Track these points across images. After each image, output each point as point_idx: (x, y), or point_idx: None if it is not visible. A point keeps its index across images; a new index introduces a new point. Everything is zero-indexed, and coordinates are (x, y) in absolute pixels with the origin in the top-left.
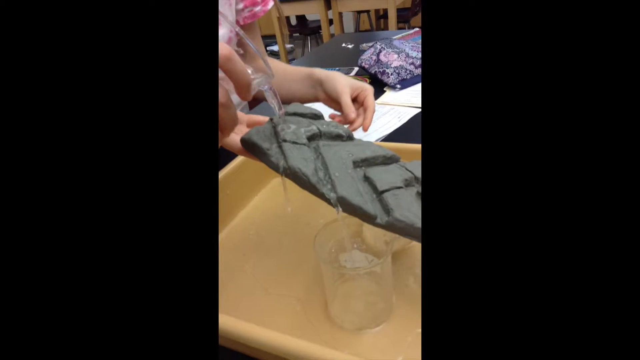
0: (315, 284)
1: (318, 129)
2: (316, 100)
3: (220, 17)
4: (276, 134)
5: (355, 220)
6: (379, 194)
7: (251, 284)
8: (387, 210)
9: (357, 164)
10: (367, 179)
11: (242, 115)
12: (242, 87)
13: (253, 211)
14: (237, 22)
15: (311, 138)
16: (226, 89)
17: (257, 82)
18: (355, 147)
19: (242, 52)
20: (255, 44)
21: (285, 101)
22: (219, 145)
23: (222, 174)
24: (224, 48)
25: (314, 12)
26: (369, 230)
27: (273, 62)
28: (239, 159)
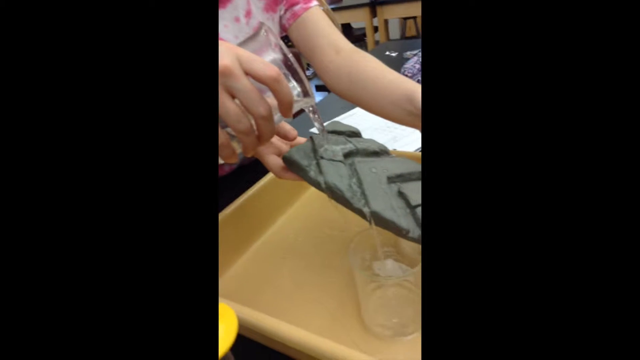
0: (350, 290)
1: (355, 146)
2: (414, 128)
3: (276, 42)
4: (315, 151)
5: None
6: (412, 208)
7: (289, 287)
8: (419, 224)
9: (392, 179)
10: (401, 194)
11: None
12: (285, 105)
13: (292, 216)
14: (284, 27)
15: (347, 155)
16: (270, 104)
17: (300, 105)
18: (391, 163)
19: (288, 73)
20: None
21: (378, 116)
22: (256, 155)
23: (264, 180)
24: (273, 69)
25: (359, 20)
26: (405, 240)
27: (369, 65)
28: None
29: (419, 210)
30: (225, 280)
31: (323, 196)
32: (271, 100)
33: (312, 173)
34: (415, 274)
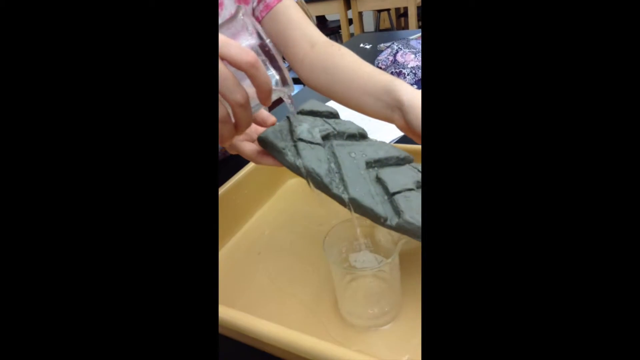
0: (327, 283)
1: (333, 128)
2: (391, 122)
3: (253, 27)
4: (292, 132)
5: (366, 222)
6: (390, 195)
7: (265, 283)
8: (397, 212)
9: (370, 164)
10: (379, 180)
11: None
12: (263, 92)
13: (268, 212)
14: (257, 19)
15: (326, 137)
16: (247, 91)
17: (278, 94)
18: (369, 147)
19: (266, 59)
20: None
21: (354, 110)
22: (229, 148)
23: (238, 175)
24: (250, 55)
25: (334, 12)
26: (380, 232)
27: (345, 58)
28: None
29: (396, 197)
30: None
31: (299, 190)
32: (248, 87)
33: (289, 156)
34: (390, 265)
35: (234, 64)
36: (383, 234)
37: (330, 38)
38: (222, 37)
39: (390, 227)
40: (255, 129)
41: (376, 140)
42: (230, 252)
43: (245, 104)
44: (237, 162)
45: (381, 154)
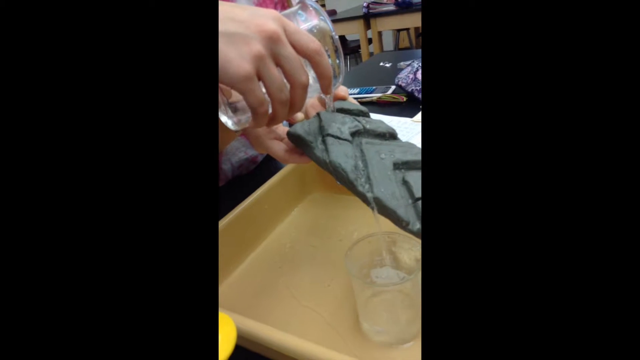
0: (347, 299)
1: (362, 125)
2: None
3: (323, 15)
4: (321, 128)
5: (388, 237)
6: (415, 200)
7: (285, 296)
8: (420, 217)
9: (398, 166)
10: (405, 183)
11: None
12: (325, 79)
13: (290, 225)
14: None
15: (355, 134)
16: (308, 74)
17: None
18: (398, 148)
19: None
20: None
21: None
22: (259, 148)
23: (261, 190)
24: (316, 43)
25: (353, 32)
26: (402, 248)
27: None
28: (277, 176)
29: (420, 203)
30: (221, 289)
31: (320, 204)
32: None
33: (318, 150)
34: (412, 281)
35: (300, 50)
36: (405, 250)
37: (350, 57)
38: (292, 24)
39: (410, 232)
40: (283, 130)
41: (406, 142)
42: (252, 265)
43: (307, 86)
44: (261, 176)
45: (410, 157)
